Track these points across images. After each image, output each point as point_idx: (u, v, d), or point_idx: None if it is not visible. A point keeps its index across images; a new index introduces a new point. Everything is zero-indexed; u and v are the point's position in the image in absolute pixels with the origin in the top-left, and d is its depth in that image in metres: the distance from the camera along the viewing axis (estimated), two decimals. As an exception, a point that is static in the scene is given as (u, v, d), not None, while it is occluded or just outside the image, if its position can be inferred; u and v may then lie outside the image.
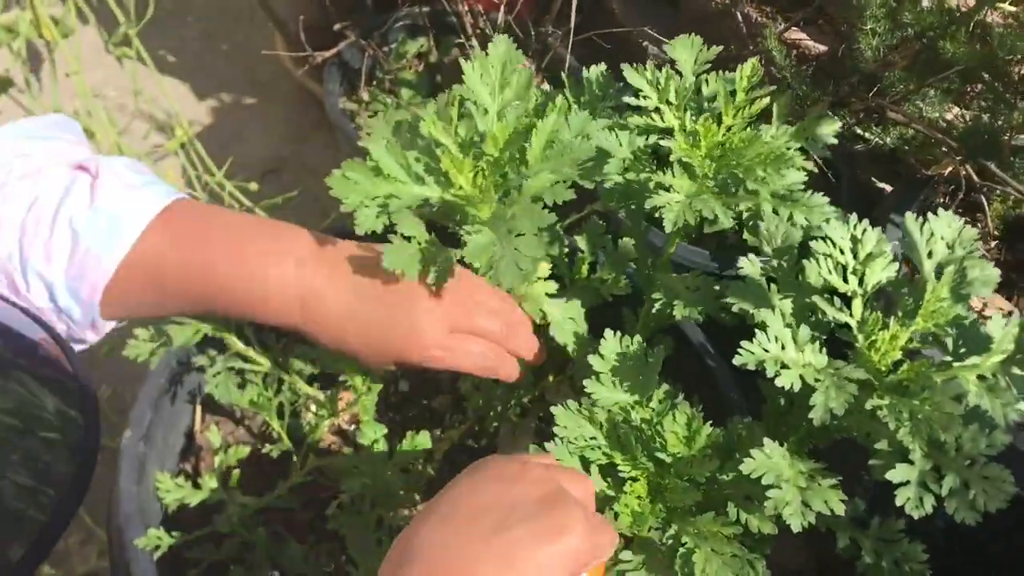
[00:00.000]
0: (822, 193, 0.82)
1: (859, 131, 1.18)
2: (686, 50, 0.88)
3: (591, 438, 0.76)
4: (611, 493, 0.74)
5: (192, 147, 1.76)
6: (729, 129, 0.83)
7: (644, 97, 0.85)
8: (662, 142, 0.84)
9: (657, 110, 0.84)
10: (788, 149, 0.83)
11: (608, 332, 0.80)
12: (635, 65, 0.85)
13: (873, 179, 1.37)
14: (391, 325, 0.83)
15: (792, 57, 1.21)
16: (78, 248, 0.74)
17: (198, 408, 1.10)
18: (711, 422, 0.76)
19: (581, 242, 1.04)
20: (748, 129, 0.83)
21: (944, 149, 1.12)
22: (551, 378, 1.08)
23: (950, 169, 1.10)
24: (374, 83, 1.63)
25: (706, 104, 0.87)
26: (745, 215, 0.85)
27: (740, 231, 0.87)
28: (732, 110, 0.83)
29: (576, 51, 1.34)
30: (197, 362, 1.00)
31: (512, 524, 0.61)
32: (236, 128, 2.02)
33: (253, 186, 1.74)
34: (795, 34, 1.31)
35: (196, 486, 0.99)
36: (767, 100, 0.84)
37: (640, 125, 0.85)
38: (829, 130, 0.87)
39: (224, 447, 1.02)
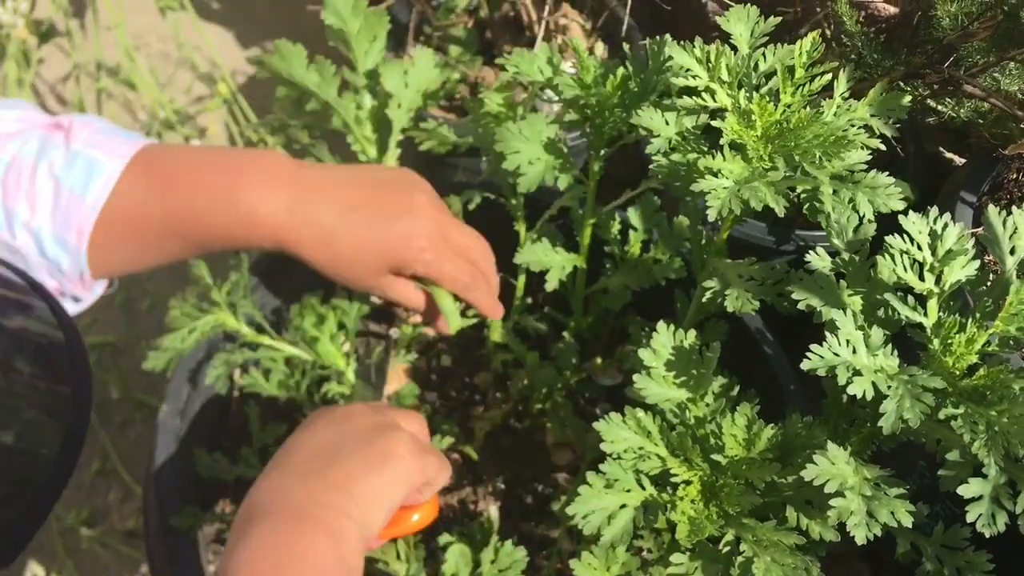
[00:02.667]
0: (887, 172, 0.77)
1: (931, 103, 1.11)
2: (742, 23, 0.80)
3: (639, 448, 0.71)
4: (664, 499, 0.70)
5: (235, 102, 1.72)
6: (788, 108, 0.78)
7: (693, 76, 0.78)
8: (713, 122, 0.78)
9: (707, 89, 0.78)
10: (852, 128, 0.77)
11: (660, 325, 0.76)
12: (682, 42, 0.79)
13: (941, 150, 1.31)
14: (384, 226, 0.82)
15: (861, 18, 1.14)
16: (61, 193, 0.75)
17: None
18: (770, 421, 0.72)
19: (634, 218, 1.00)
20: (808, 108, 0.78)
21: (1022, 126, 1.06)
22: (598, 360, 1.05)
23: (1030, 148, 1.03)
24: (422, 39, 1.58)
25: (763, 81, 0.81)
26: (803, 196, 0.81)
27: (798, 206, 0.82)
28: (791, 87, 0.78)
29: (635, 11, 1.29)
30: (223, 360, 0.98)
31: (344, 456, 0.68)
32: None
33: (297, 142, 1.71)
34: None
35: (233, 462, 0.97)
36: (828, 76, 0.78)
37: (689, 107, 0.79)
38: (901, 105, 0.81)
39: (262, 423, 1.00)
